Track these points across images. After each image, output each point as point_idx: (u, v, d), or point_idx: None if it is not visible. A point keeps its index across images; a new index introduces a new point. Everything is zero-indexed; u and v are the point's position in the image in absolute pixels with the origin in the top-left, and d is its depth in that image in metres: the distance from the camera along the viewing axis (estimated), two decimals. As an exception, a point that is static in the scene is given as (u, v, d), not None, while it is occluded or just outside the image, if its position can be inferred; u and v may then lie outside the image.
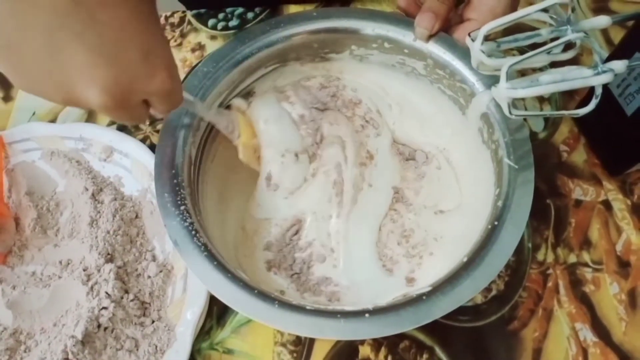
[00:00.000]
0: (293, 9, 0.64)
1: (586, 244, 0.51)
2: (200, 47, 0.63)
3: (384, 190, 0.50)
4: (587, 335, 0.47)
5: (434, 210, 0.50)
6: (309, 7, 0.64)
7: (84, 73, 0.28)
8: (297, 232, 0.48)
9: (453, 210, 0.49)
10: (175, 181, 0.42)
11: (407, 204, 0.50)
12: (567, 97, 0.59)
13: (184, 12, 0.67)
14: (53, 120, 0.58)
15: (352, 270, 0.47)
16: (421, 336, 0.46)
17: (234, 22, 0.64)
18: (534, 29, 0.41)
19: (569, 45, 0.40)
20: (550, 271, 0.50)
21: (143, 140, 0.55)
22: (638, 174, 0.54)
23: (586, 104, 0.38)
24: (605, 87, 0.41)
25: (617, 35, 0.61)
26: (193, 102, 0.44)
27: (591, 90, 0.38)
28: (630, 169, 0.52)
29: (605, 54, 0.51)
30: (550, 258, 0.50)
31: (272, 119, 0.48)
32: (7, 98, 0.60)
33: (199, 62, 0.47)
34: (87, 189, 0.50)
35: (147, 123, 0.55)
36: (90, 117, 0.58)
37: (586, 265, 0.50)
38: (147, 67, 0.30)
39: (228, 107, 0.49)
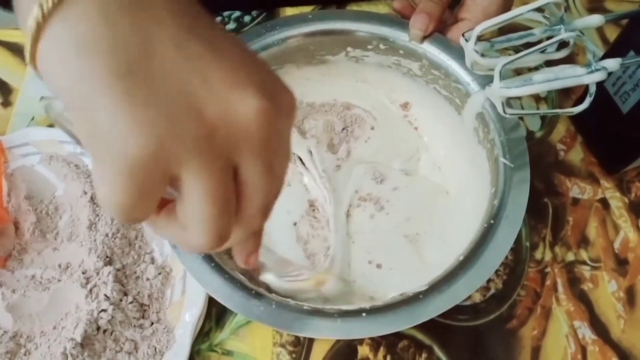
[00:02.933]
0: (289, 11, 0.65)
1: (584, 242, 0.51)
2: (198, 50, 0.64)
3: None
4: (586, 333, 0.47)
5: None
6: (305, 10, 0.64)
7: (235, 75, 0.23)
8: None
9: (448, 210, 0.49)
10: (172, 183, 0.42)
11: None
12: (564, 96, 0.59)
13: (181, 16, 0.67)
14: (52, 125, 0.58)
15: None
16: (420, 335, 0.47)
17: (231, 26, 0.65)
18: (528, 28, 0.42)
19: (563, 44, 0.40)
20: (548, 269, 0.50)
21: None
22: (635, 172, 0.54)
23: (582, 103, 0.39)
24: (600, 85, 0.41)
25: (613, 34, 0.61)
26: None
27: (586, 88, 0.38)
28: (627, 167, 0.52)
29: (600, 53, 0.51)
30: (548, 256, 0.50)
31: None
32: (6, 103, 0.60)
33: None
34: (85, 193, 0.50)
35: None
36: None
37: (584, 263, 0.50)
38: (277, 84, 0.25)
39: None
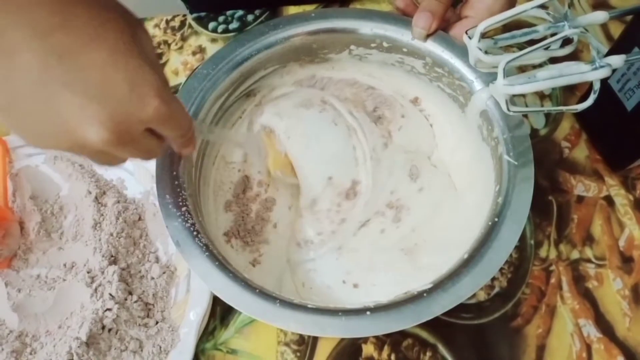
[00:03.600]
0: (292, 10, 0.65)
1: (589, 239, 0.51)
2: (201, 50, 0.64)
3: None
4: (591, 331, 0.47)
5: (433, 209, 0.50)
6: (308, 8, 0.64)
7: (79, 115, 0.29)
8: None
9: (452, 208, 0.49)
10: (176, 182, 0.43)
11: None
12: (568, 93, 0.59)
13: (184, 15, 0.67)
14: (56, 125, 0.59)
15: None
16: (424, 334, 0.47)
17: (234, 25, 0.65)
18: (532, 25, 0.41)
19: (567, 41, 0.40)
20: (553, 267, 0.50)
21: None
22: (640, 169, 0.54)
23: (586, 100, 0.38)
24: (605, 82, 0.41)
25: (617, 31, 0.61)
26: (208, 129, 0.45)
27: (591, 86, 0.38)
28: (632, 165, 0.52)
29: (605, 49, 0.51)
30: (552, 254, 0.50)
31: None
32: (11, 103, 0.61)
33: (200, 65, 0.48)
34: (90, 192, 0.50)
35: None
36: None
37: (589, 261, 0.50)
38: (135, 98, 0.31)
39: (227, 109, 0.49)
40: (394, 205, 0.49)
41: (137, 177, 0.52)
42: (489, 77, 0.45)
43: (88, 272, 0.46)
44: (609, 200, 0.53)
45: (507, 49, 0.42)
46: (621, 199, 0.53)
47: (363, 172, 0.49)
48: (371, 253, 0.48)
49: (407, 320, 0.37)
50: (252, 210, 0.49)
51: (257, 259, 0.47)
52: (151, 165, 0.50)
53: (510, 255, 0.40)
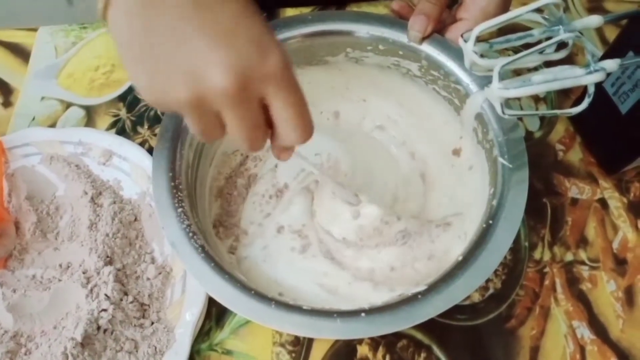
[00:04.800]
0: (289, 12, 0.65)
1: (583, 242, 0.51)
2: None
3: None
4: (585, 332, 0.47)
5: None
6: (305, 11, 0.64)
7: (205, 57, 0.30)
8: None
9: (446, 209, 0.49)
10: (172, 184, 0.43)
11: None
12: (563, 97, 0.59)
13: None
14: (52, 125, 0.59)
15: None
16: (419, 335, 0.47)
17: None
18: (527, 29, 0.42)
19: (562, 45, 0.41)
20: (547, 269, 0.50)
21: (142, 144, 0.56)
22: (634, 172, 0.54)
23: (581, 103, 0.39)
24: (599, 86, 0.41)
25: (612, 35, 0.61)
26: None
27: (585, 89, 0.38)
28: (625, 167, 0.52)
29: (599, 53, 0.51)
30: (547, 256, 0.50)
31: None
32: (7, 104, 0.61)
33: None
34: (86, 193, 0.50)
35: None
36: (90, 121, 0.59)
37: (583, 263, 0.50)
38: (260, 48, 0.31)
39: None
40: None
41: (134, 177, 0.52)
42: (484, 81, 0.45)
43: (84, 273, 0.46)
44: (603, 202, 0.53)
45: (503, 52, 0.42)
46: (615, 201, 0.53)
47: None
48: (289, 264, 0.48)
49: (401, 322, 0.37)
50: (236, 187, 0.50)
51: (232, 244, 0.48)
52: (148, 166, 0.51)
53: (505, 257, 0.40)
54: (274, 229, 0.49)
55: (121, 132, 0.58)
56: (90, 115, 0.59)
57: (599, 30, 0.63)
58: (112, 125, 0.59)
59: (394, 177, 0.52)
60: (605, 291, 0.49)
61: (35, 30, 0.65)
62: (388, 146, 0.54)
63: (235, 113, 0.32)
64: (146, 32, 0.31)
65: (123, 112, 0.59)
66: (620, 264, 0.50)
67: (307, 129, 0.34)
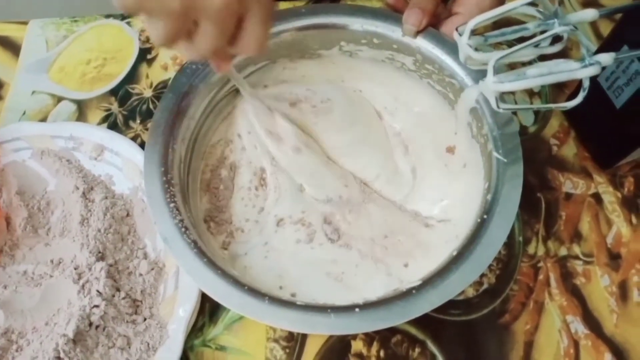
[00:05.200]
0: (283, 5, 0.64)
1: (577, 236, 0.51)
2: (191, 44, 0.63)
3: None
4: (579, 327, 0.47)
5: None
6: (299, 4, 0.64)
7: None
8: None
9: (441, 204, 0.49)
10: (164, 179, 0.42)
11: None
12: (557, 91, 0.59)
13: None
14: (43, 120, 0.58)
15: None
16: (413, 330, 0.47)
17: (224, 20, 0.64)
18: (522, 23, 0.41)
19: (557, 39, 0.40)
20: (541, 264, 0.50)
21: (134, 139, 0.55)
22: (628, 167, 0.54)
23: (575, 97, 0.38)
24: (594, 80, 0.41)
25: (607, 29, 0.61)
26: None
27: (580, 83, 0.38)
28: (620, 162, 0.52)
29: (594, 47, 0.51)
30: (541, 251, 0.50)
31: None
32: (-3, 98, 0.60)
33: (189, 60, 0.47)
34: (77, 188, 0.50)
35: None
36: (81, 116, 0.58)
37: (577, 258, 0.50)
38: None
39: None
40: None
41: (126, 172, 0.52)
42: (479, 74, 0.45)
43: (75, 269, 0.46)
44: (597, 197, 0.53)
45: (497, 46, 0.42)
46: (609, 196, 0.53)
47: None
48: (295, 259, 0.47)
49: (396, 317, 0.37)
50: (222, 179, 0.49)
51: (225, 240, 0.47)
52: (140, 161, 0.50)
53: (499, 252, 0.40)
54: (274, 223, 0.48)
55: (113, 126, 0.57)
56: (81, 110, 0.59)
57: (593, 25, 0.63)
58: (104, 119, 0.58)
59: (383, 156, 0.52)
60: (599, 286, 0.49)
61: (25, 23, 0.65)
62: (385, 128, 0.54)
63: (216, 25, 0.33)
64: None
65: (115, 107, 0.59)
66: (614, 258, 0.50)
67: (265, 43, 0.37)
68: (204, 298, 0.46)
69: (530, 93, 0.59)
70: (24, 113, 0.59)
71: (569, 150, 0.56)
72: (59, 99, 0.59)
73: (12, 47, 0.63)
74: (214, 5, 0.32)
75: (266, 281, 0.45)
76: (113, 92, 0.60)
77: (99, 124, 0.58)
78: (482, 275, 0.49)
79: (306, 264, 0.46)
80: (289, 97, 0.52)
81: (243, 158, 0.50)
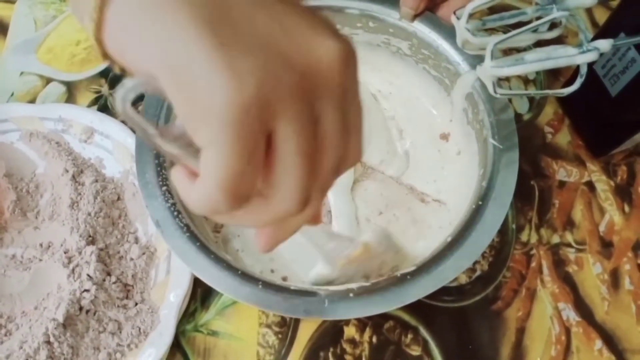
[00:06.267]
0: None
1: (569, 224, 0.51)
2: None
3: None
4: (570, 314, 0.47)
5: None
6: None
7: (309, 19, 0.22)
8: None
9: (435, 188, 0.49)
10: (157, 161, 0.42)
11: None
12: (552, 79, 0.59)
13: None
14: (32, 101, 0.57)
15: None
16: (406, 316, 0.47)
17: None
18: (519, 7, 0.41)
19: (554, 25, 0.40)
20: (533, 252, 0.50)
21: (124, 122, 0.54)
22: (621, 156, 0.54)
23: (571, 85, 0.38)
24: (590, 68, 0.41)
25: (603, 18, 0.60)
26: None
27: (576, 70, 0.38)
28: (613, 151, 0.52)
29: (591, 35, 0.51)
30: (533, 239, 0.50)
31: None
32: (-16, 79, 0.59)
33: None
34: (67, 171, 0.49)
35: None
36: (71, 97, 0.57)
37: (569, 245, 0.50)
38: (311, 34, 0.22)
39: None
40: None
41: (116, 156, 0.51)
42: (475, 60, 0.44)
43: (65, 253, 0.45)
44: (590, 185, 0.53)
45: (492, 32, 0.41)
46: (602, 184, 0.53)
47: None
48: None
49: (390, 303, 0.37)
50: None
51: (217, 223, 0.46)
52: (131, 144, 0.49)
53: (492, 239, 0.40)
54: None
55: (103, 109, 0.56)
56: (71, 92, 0.58)
57: (589, 13, 0.63)
58: (94, 102, 0.57)
59: (385, 140, 0.52)
60: (591, 273, 0.49)
61: (13, 2, 0.63)
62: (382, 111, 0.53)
63: (337, 116, 0.23)
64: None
65: (105, 89, 0.58)
66: (606, 246, 0.50)
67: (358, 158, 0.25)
68: (196, 283, 0.45)
69: (525, 80, 0.58)
70: (12, 94, 0.58)
71: (563, 138, 0.55)
72: (48, 80, 0.58)
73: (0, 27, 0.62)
74: (332, 59, 0.22)
75: (258, 264, 0.44)
76: (103, 73, 0.59)
77: (89, 106, 0.56)
78: (475, 262, 0.49)
79: (298, 246, 0.46)
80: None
81: None
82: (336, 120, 0.23)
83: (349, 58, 0.22)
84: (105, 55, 0.24)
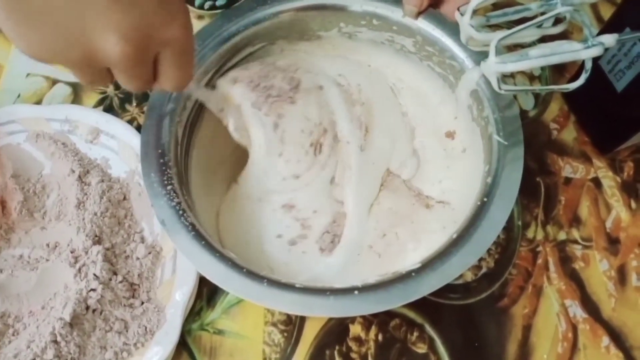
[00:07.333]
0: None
1: (576, 221, 0.51)
2: (187, 27, 0.62)
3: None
4: (577, 311, 0.47)
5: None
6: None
7: (102, 20, 0.28)
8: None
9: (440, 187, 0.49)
10: (161, 161, 0.42)
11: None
12: (557, 75, 0.58)
13: (170, -9, 0.65)
14: (38, 102, 0.57)
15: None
16: (411, 314, 0.47)
17: (221, 1, 0.63)
18: (523, 3, 0.41)
19: (559, 20, 0.40)
20: (540, 248, 0.50)
21: (130, 122, 0.54)
22: (627, 152, 0.54)
23: (576, 80, 0.38)
24: (595, 63, 0.41)
25: (607, 13, 0.60)
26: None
27: (581, 66, 0.38)
28: (619, 147, 0.52)
29: (596, 30, 0.51)
30: (540, 235, 0.50)
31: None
32: (-9, 80, 0.59)
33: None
34: (73, 171, 0.49)
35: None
36: (77, 98, 0.58)
37: (576, 242, 0.50)
38: (163, 12, 0.31)
39: (214, 86, 0.48)
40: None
41: (122, 156, 0.51)
42: (480, 57, 0.44)
43: (72, 252, 0.45)
44: (597, 182, 0.53)
45: (497, 29, 0.41)
46: (609, 181, 0.53)
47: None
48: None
49: (395, 300, 0.37)
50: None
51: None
52: (136, 144, 0.50)
53: (498, 236, 0.39)
54: (279, 204, 0.47)
55: (109, 109, 0.56)
56: (76, 92, 0.58)
57: (594, 8, 0.62)
58: (100, 102, 0.57)
59: (405, 139, 0.51)
60: (598, 270, 0.49)
61: (19, 4, 0.63)
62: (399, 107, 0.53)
63: (127, 73, 0.32)
64: None
65: (110, 89, 0.58)
66: (612, 243, 0.50)
67: (184, 83, 0.36)
68: (202, 282, 0.45)
69: (530, 77, 0.58)
70: (19, 95, 0.58)
71: (569, 134, 0.55)
72: (54, 82, 0.59)
73: (6, 29, 0.62)
74: (113, 57, 0.30)
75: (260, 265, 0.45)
76: (109, 74, 0.59)
77: (95, 106, 0.57)
78: (481, 259, 0.49)
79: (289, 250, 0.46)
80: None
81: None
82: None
83: (131, 57, 0.31)
84: None
